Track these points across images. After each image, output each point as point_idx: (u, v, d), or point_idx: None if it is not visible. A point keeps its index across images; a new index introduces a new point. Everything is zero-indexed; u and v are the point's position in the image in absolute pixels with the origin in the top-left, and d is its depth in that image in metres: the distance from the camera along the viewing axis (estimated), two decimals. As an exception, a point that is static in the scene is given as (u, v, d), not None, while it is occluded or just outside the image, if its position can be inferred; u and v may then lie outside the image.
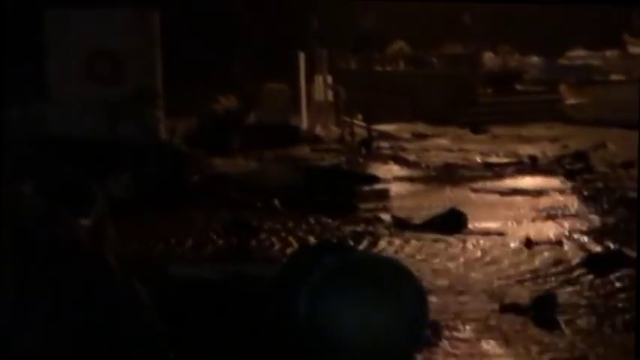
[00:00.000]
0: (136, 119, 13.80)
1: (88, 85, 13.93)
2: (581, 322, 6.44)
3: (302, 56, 19.86)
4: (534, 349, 5.91)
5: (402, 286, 5.63)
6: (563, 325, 6.37)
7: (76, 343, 4.63)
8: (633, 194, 11.20)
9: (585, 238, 9.03)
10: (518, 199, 11.51)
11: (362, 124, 18.91)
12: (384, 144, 17.35)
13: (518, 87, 23.89)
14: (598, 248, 8.54)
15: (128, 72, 14.13)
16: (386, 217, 10.29)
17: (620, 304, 6.86)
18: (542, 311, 6.57)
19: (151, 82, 14.40)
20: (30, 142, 11.24)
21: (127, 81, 14.08)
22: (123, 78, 14.08)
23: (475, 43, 25.22)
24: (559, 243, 8.83)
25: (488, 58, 25.74)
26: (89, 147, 11.82)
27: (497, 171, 13.91)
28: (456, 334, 6.20)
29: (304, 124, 19.35)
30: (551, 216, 10.30)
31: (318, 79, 20.24)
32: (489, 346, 6.01)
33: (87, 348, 4.66)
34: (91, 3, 15.33)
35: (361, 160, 15.37)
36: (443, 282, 7.57)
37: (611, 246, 8.56)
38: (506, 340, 6.07)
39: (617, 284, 7.38)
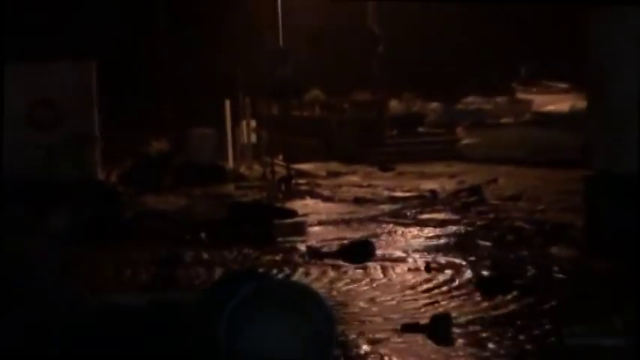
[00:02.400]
0: (73, 161, 13.62)
1: (29, 130, 13.73)
2: (474, 338, 6.45)
3: (228, 103, 19.86)
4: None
5: (313, 310, 5.57)
6: (456, 340, 6.39)
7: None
8: (520, 223, 11.33)
9: (478, 264, 9.03)
10: (420, 230, 11.45)
11: (282, 163, 18.93)
12: (302, 181, 17.35)
13: (420, 129, 24.17)
14: (488, 273, 8.56)
15: (66, 118, 13.96)
16: (301, 246, 10.26)
17: (503, 320, 6.90)
18: (438, 329, 6.57)
19: (87, 128, 14.23)
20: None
21: (65, 126, 13.90)
22: (61, 124, 13.90)
23: (382, 90, 25.47)
24: (455, 268, 8.84)
25: (394, 104, 26.01)
26: (31, 185, 11.62)
27: (401, 204, 13.95)
28: (361, 351, 6.16)
29: (230, 163, 19.31)
30: (447, 245, 10.32)
31: (243, 124, 20.25)
32: (392, 362, 6.00)
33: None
34: (32, 55, 15.12)
35: (281, 196, 15.33)
36: (351, 304, 7.53)
37: (498, 271, 8.60)
38: (405, 357, 6.06)
39: (508, 305, 7.41)
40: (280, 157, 19.57)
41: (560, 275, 8.42)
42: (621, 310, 6.66)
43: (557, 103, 22.86)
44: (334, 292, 7.95)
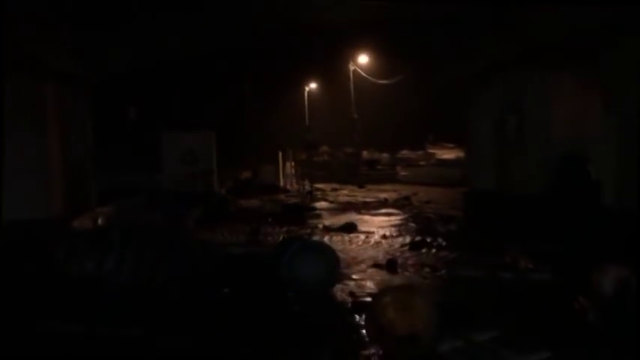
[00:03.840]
0: (203, 182, 13.77)
1: (181, 166, 13.92)
2: (408, 271, 6.58)
3: (280, 153, 20.04)
4: (385, 281, 6.05)
5: (328, 255, 5.75)
6: (400, 271, 6.51)
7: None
8: (430, 215, 11.39)
9: (410, 234, 9.15)
10: (380, 217, 11.54)
11: (308, 184, 19.07)
12: (318, 193, 17.40)
13: (379, 167, 24.28)
14: (415, 239, 8.64)
15: (200, 160, 14.16)
16: (320, 225, 10.37)
17: (424, 262, 6.97)
18: (390, 266, 6.70)
19: (210, 165, 14.41)
20: (155, 193, 11.17)
21: (199, 164, 14.09)
22: (197, 163, 14.09)
23: (358, 147, 25.60)
24: (398, 237, 8.95)
25: (365, 154, 26.15)
26: (182, 195, 11.75)
27: (370, 205, 14.03)
28: (351, 276, 6.30)
29: (281, 183, 19.44)
30: (394, 225, 10.41)
31: (287, 164, 20.40)
32: (366, 282, 6.12)
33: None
34: (185, 128, 15.36)
35: (308, 200, 15.40)
36: (346, 253, 7.62)
37: (421, 237, 8.68)
38: (373, 280, 6.18)
39: (424, 254, 7.52)
40: (307, 180, 19.73)
41: (451, 240, 8.53)
42: (485, 256, 6.76)
43: (449, 154, 22.96)
44: (337, 246, 7.98)
